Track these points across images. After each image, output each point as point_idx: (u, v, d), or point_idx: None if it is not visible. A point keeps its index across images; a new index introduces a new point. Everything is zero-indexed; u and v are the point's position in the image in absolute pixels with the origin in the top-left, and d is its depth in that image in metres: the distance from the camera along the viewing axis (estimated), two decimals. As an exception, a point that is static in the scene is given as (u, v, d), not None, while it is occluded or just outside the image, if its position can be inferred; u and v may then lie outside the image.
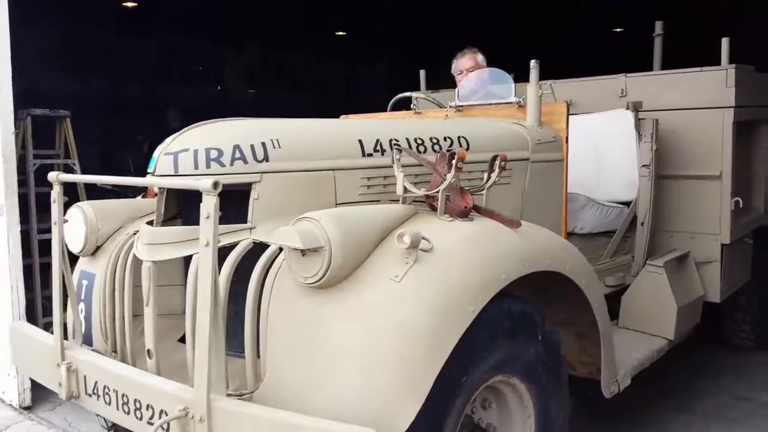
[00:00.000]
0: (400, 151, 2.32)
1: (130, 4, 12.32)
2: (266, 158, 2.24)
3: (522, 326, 2.20)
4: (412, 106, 3.61)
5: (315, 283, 1.89)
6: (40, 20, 10.06)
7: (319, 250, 1.87)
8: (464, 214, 2.17)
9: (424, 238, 1.94)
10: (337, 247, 1.87)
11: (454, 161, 2.15)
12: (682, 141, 3.80)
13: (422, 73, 5.05)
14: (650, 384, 3.34)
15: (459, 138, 2.72)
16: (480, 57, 4.01)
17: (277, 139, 2.29)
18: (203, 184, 1.79)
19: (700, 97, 3.73)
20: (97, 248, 2.65)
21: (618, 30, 13.79)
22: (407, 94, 3.74)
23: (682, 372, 4.15)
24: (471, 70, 4.01)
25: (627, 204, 3.68)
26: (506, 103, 3.23)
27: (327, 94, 13.63)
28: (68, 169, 7.39)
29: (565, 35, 12.40)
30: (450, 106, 3.44)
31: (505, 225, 2.20)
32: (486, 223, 2.20)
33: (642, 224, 3.66)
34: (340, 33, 15.11)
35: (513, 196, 2.87)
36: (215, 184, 1.79)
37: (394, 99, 3.74)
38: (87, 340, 2.59)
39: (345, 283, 1.93)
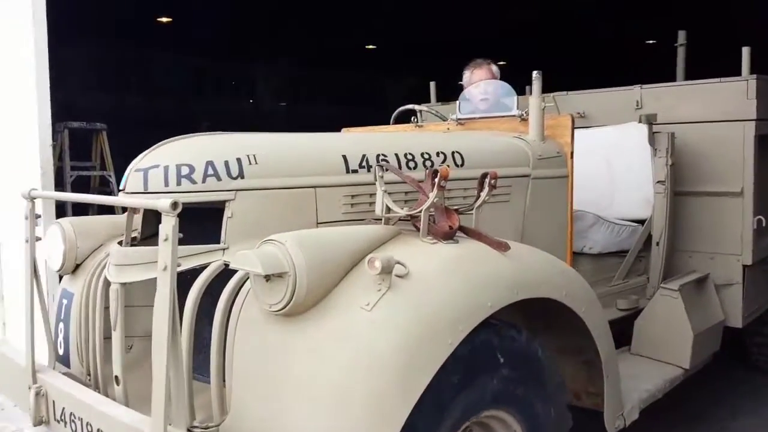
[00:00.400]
0: (383, 167, 2.18)
1: (164, 19, 12.57)
2: (241, 175, 2.13)
3: (512, 356, 2.03)
4: (413, 119, 3.47)
5: (280, 310, 1.76)
6: (78, 36, 10.22)
7: (283, 275, 1.74)
8: (448, 236, 2.02)
9: (398, 263, 1.79)
10: (302, 272, 1.74)
11: (437, 179, 2.00)
12: (700, 156, 3.59)
13: (432, 84, 4.92)
14: (662, 414, 3.13)
15: (453, 153, 2.58)
16: (495, 68, 3.86)
17: (253, 155, 2.17)
18: (162, 203, 1.67)
19: (720, 110, 3.53)
20: (77, 266, 2.57)
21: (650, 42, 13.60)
22: (410, 106, 3.61)
23: (698, 399, 3.92)
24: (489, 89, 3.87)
25: (642, 222, 3.49)
26: (509, 116, 3.07)
27: (357, 107, 13.75)
28: (104, 181, 7.46)
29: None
30: (451, 120, 3.29)
31: (493, 248, 2.05)
32: (472, 246, 2.04)
33: (657, 244, 3.46)
34: (370, 47, 15.12)
35: (513, 214, 2.71)
36: (174, 204, 1.67)
37: (397, 111, 3.61)
38: (65, 362, 2.50)
39: (313, 311, 1.80)
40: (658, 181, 3.44)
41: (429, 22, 11.87)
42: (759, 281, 3.66)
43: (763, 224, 3.48)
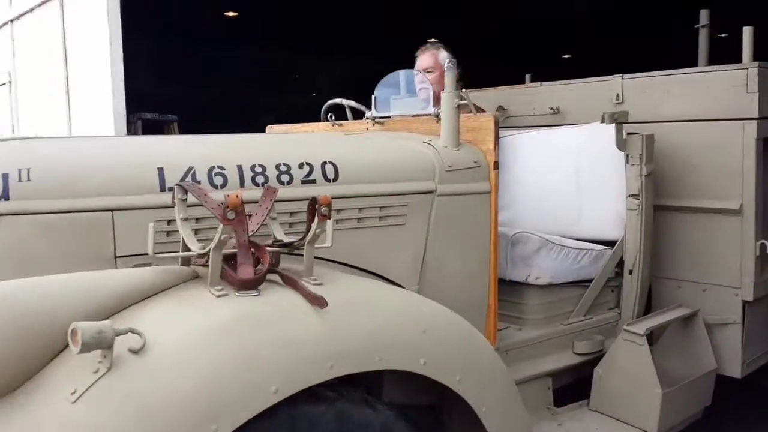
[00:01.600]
0: (183, 187, 1.63)
1: (231, 14, 12.83)
2: (5, 195, 1.63)
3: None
4: (329, 116, 2.90)
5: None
6: (150, 31, 10.32)
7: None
8: (247, 285, 1.47)
9: (133, 331, 1.26)
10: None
11: (226, 207, 1.45)
12: (691, 163, 2.90)
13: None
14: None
15: (324, 164, 2.00)
16: (443, 54, 3.26)
17: (27, 169, 1.67)
18: None
19: (714, 106, 2.83)
20: None
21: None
22: (338, 100, 3.04)
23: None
24: (430, 71, 3.29)
25: (614, 244, 2.83)
26: (426, 115, 2.48)
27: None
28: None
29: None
30: (367, 118, 2.72)
31: (309, 302, 1.48)
32: (279, 300, 1.48)
33: (630, 272, 2.79)
34: (432, 40, 14.80)
35: (410, 240, 2.12)
36: None
37: (326, 105, 3.06)
38: None
39: (18, 396, 1.28)
40: (630, 195, 2.77)
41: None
42: (765, 321, 2.95)
43: (766, 250, 2.77)
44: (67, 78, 5.36)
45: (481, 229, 2.25)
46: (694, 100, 2.89)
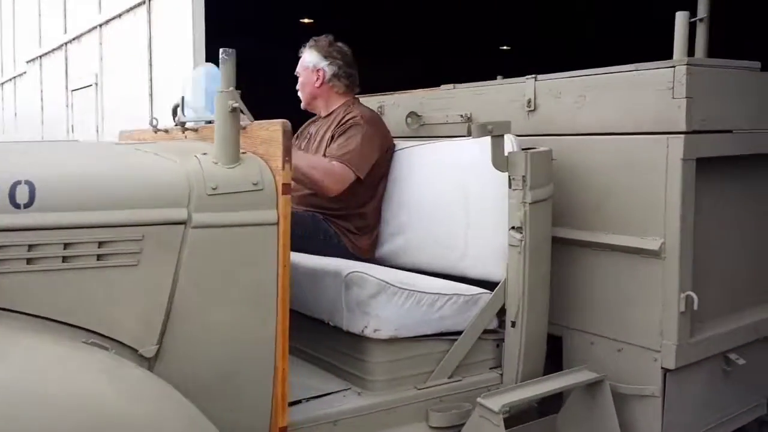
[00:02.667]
0: None
1: (306, 21, 13.02)
2: None
3: None
4: (153, 122, 2.42)
5: None
6: (232, 34, 10.62)
7: None
8: None
9: None
10: None
11: None
12: (610, 188, 2.27)
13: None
14: None
15: (16, 185, 1.54)
16: (312, 55, 2.81)
17: None
18: None
19: (636, 115, 2.20)
20: None
21: None
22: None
23: None
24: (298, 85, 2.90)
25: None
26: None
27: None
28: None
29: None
30: (176, 124, 2.25)
31: None
32: None
33: (513, 324, 2.20)
34: (504, 48, 14.39)
35: (144, 287, 1.62)
36: None
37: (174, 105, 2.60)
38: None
39: None
40: (512, 228, 2.18)
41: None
42: (697, 395, 2.27)
43: (694, 305, 2.10)
44: (151, 81, 5.56)
45: (263, 271, 1.73)
46: (613, 108, 2.26)
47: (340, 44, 2.87)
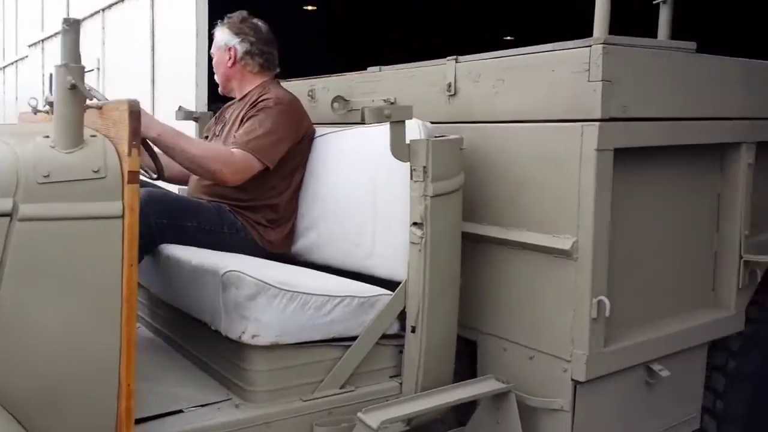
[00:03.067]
0: None
1: (309, 8, 12.90)
2: None
3: None
4: (46, 104, 2.23)
5: None
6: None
7: None
8: None
9: None
10: None
11: None
12: (525, 180, 2.07)
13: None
14: None
15: None
16: (222, 33, 2.63)
17: None
18: None
19: (553, 100, 1.99)
20: None
21: None
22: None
23: None
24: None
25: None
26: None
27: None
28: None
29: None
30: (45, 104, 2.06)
31: None
32: None
33: (413, 329, 2.01)
34: (508, 38, 14.32)
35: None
36: None
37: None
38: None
39: None
40: (413, 223, 1.98)
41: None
42: (611, 410, 2.07)
43: (606, 311, 1.90)
44: (153, 66, 5.55)
45: (105, 272, 1.54)
46: (530, 93, 2.06)
47: (255, 20, 2.66)
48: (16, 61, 11.46)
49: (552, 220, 1.98)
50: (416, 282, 1.98)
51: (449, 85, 2.30)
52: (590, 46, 1.87)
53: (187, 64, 4.25)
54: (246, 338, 1.86)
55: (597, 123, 1.86)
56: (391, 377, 2.07)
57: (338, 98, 2.78)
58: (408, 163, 1.99)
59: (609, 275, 1.94)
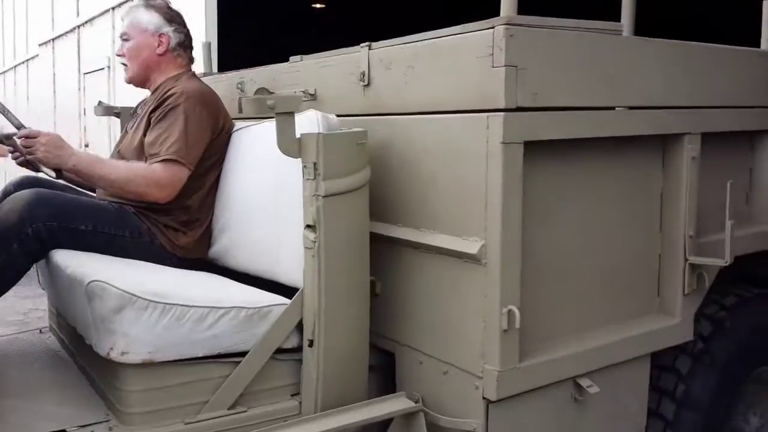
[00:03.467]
0: None
1: (318, 6, 12.84)
2: None
3: None
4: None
5: None
6: (243, 22, 10.47)
7: None
8: None
9: None
10: None
11: None
12: (436, 178, 1.88)
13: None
14: None
15: None
16: (150, 16, 2.42)
17: None
18: None
19: (460, 89, 1.80)
20: None
21: None
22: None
23: None
24: (125, 39, 2.48)
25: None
26: None
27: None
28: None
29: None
30: None
31: None
32: None
33: (310, 343, 1.82)
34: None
35: None
36: None
37: None
38: None
39: None
40: (306, 226, 1.80)
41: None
42: (531, 430, 1.87)
43: (516, 322, 1.71)
44: None
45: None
46: (438, 81, 1.87)
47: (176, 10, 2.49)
48: (27, 60, 11.45)
49: (461, 221, 1.79)
50: (312, 290, 1.80)
51: (362, 74, 2.11)
52: (493, 27, 1.68)
53: (195, 63, 4.27)
54: (114, 355, 1.68)
55: (502, 113, 1.67)
56: (292, 395, 1.89)
57: (261, 90, 2.62)
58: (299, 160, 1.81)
59: (524, 282, 1.74)
